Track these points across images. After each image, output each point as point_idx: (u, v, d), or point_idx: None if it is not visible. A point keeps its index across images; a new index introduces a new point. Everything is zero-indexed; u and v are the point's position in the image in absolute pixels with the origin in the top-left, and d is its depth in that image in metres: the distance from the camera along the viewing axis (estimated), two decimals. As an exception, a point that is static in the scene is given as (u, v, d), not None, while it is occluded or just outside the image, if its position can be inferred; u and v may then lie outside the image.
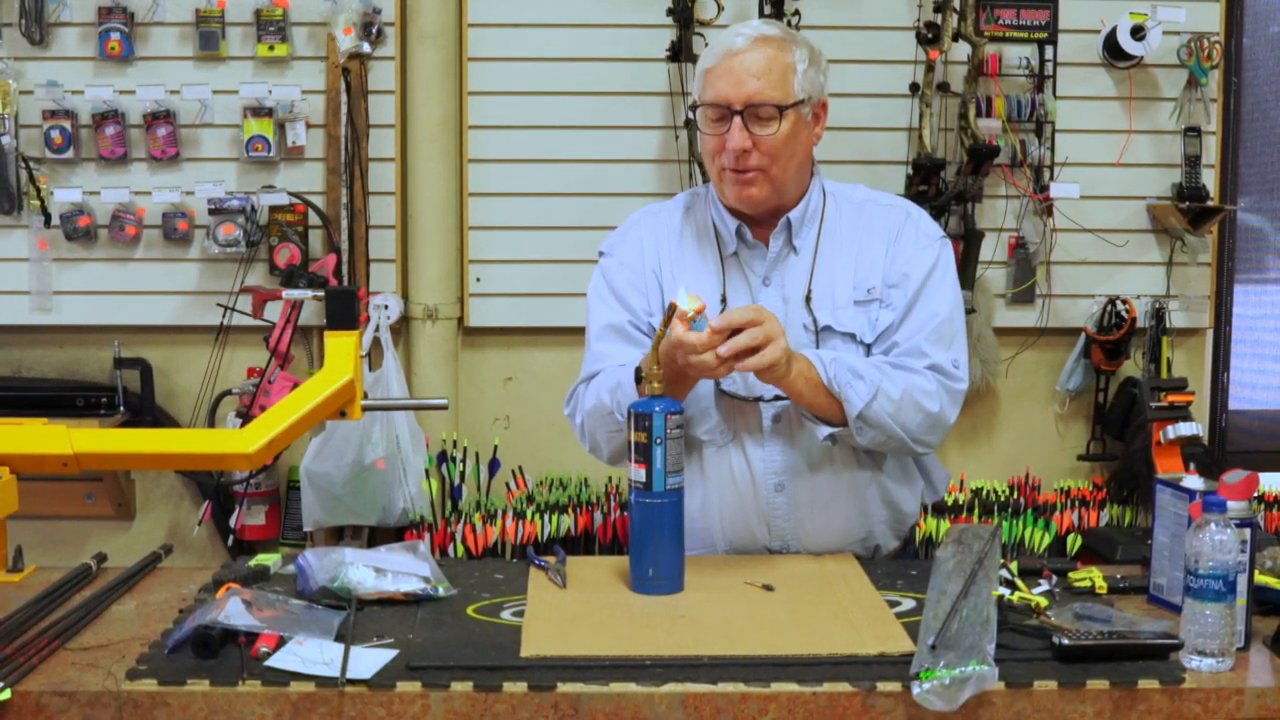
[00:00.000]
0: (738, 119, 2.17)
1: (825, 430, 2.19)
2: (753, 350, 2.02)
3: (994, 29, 3.72)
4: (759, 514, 2.25)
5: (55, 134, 3.66)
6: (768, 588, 2.06)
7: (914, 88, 3.75)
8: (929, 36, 3.65)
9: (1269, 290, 4.11)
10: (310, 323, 3.72)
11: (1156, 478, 2.08)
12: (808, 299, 2.25)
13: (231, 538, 3.74)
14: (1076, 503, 3.73)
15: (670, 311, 2.06)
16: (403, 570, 2.04)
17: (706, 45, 2.35)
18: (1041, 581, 2.07)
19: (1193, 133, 3.80)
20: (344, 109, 3.68)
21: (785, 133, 2.19)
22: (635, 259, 2.35)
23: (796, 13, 3.60)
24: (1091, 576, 2.10)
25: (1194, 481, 1.99)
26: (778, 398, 2.22)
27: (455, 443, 3.71)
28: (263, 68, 3.72)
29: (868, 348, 2.26)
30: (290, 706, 1.71)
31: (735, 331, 2.02)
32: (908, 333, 2.25)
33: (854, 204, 2.34)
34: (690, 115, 2.28)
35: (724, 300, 2.26)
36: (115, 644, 1.85)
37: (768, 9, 3.60)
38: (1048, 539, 3.49)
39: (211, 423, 3.77)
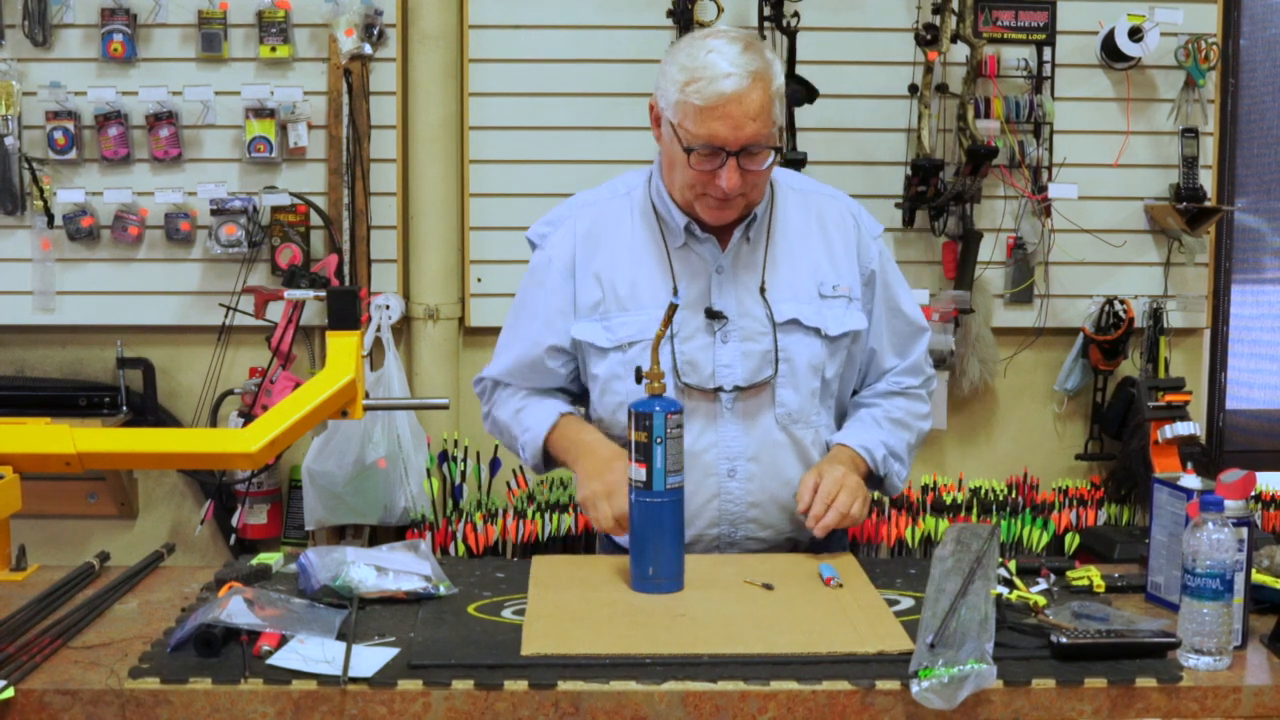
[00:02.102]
0: (732, 160, 2.12)
1: None
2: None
3: (992, 30, 3.74)
4: (710, 498, 2.26)
5: (58, 135, 3.68)
6: (767, 586, 2.06)
7: (913, 89, 3.76)
8: (928, 38, 3.66)
9: (1266, 290, 4.12)
10: (312, 323, 3.73)
11: (1154, 477, 2.09)
12: (762, 290, 2.25)
13: (233, 537, 3.75)
14: (1074, 502, 3.74)
15: (670, 312, 2.07)
16: (404, 569, 2.04)
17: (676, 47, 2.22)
18: (1040, 580, 2.08)
19: (1190, 134, 3.82)
20: (345, 110, 3.69)
21: (771, 162, 2.18)
22: (566, 258, 2.31)
23: (795, 15, 3.61)
24: (1089, 575, 2.11)
25: (1191, 480, 2.00)
26: (736, 387, 2.24)
27: (456, 442, 3.72)
28: (265, 69, 3.74)
29: (830, 340, 2.27)
30: (292, 705, 1.71)
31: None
32: (903, 347, 2.37)
33: (796, 191, 2.34)
34: (671, 126, 2.15)
35: (675, 292, 2.24)
36: (118, 642, 1.86)
37: (767, 10, 3.61)
38: (1046, 538, 3.50)
39: (214, 422, 3.79)
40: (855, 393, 2.41)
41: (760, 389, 2.25)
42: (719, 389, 2.24)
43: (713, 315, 2.23)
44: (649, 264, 2.27)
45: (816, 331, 2.25)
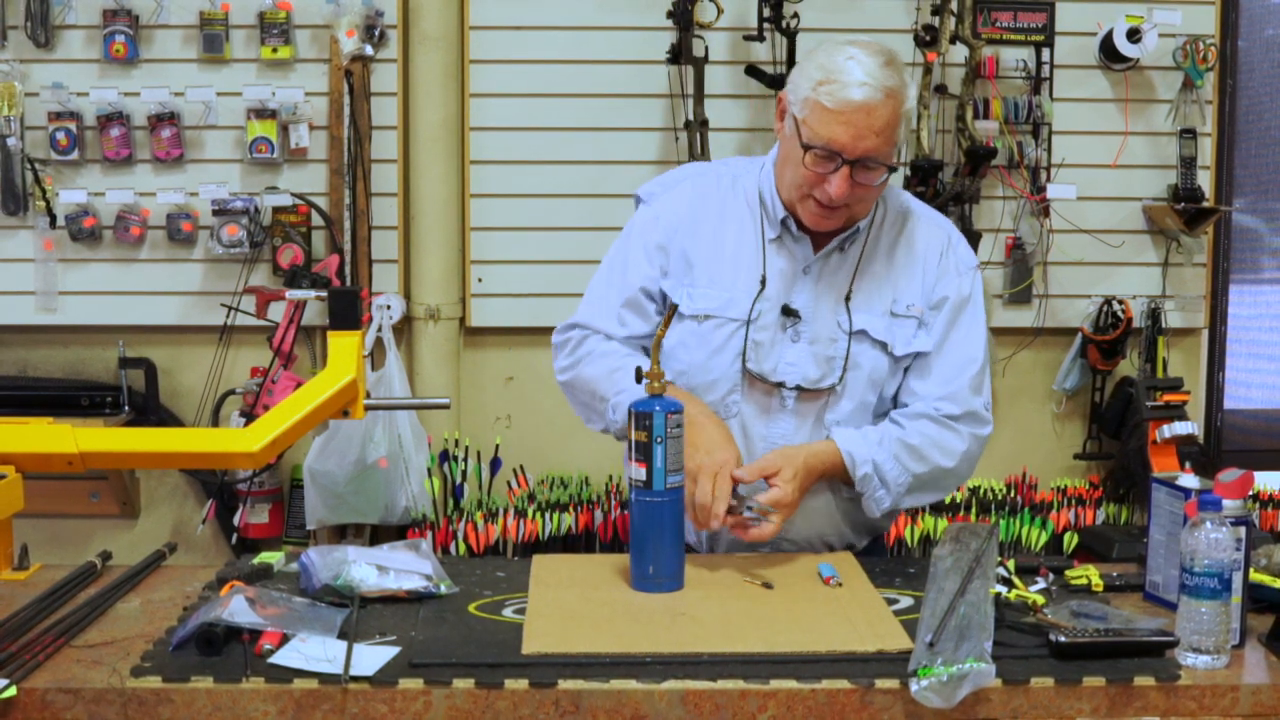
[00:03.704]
0: (846, 168, 2.12)
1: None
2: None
3: (991, 32, 3.74)
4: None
5: (60, 135, 3.68)
6: (767, 585, 2.07)
7: (912, 89, 3.77)
8: (927, 39, 3.67)
9: (1264, 290, 4.13)
10: (313, 323, 3.74)
11: (1152, 476, 2.10)
12: (848, 298, 2.26)
13: (235, 536, 3.75)
14: (1073, 501, 3.75)
15: (671, 312, 2.08)
16: (405, 568, 2.05)
17: (816, 62, 2.15)
18: (1038, 579, 2.09)
19: (1188, 134, 3.82)
20: (347, 111, 3.70)
21: (883, 181, 2.18)
22: (672, 220, 2.32)
23: (795, 16, 3.62)
24: (1088, 574, 2.12)
25: (1189, 480, 2.01)
26: (799, 387, 2.25)
27: (457, 442, 3.73)
28: (266, 70, 3.74)
29: (895, 358, 2.27)
30: (294, 703, 1.72)
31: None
32: (947, 375, 2.28)
33: (897, 210, 2.33)
34: (795, 121, 2.16)
35: (763, 281, 2.26)
36: (120, 641, 1.86)
37: (767, 11, 3.61)
38: (1044, 537, 3.51)
39: (215, 422, 3.79)
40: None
41: (821, 394, 2.26)
42: (781, 384, 2.25)
43: (788, 313, 2.25)
44: (743, 248, 2.29)
45: (883, 347, 2.26)
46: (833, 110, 2.09)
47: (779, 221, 2.27)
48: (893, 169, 2.17)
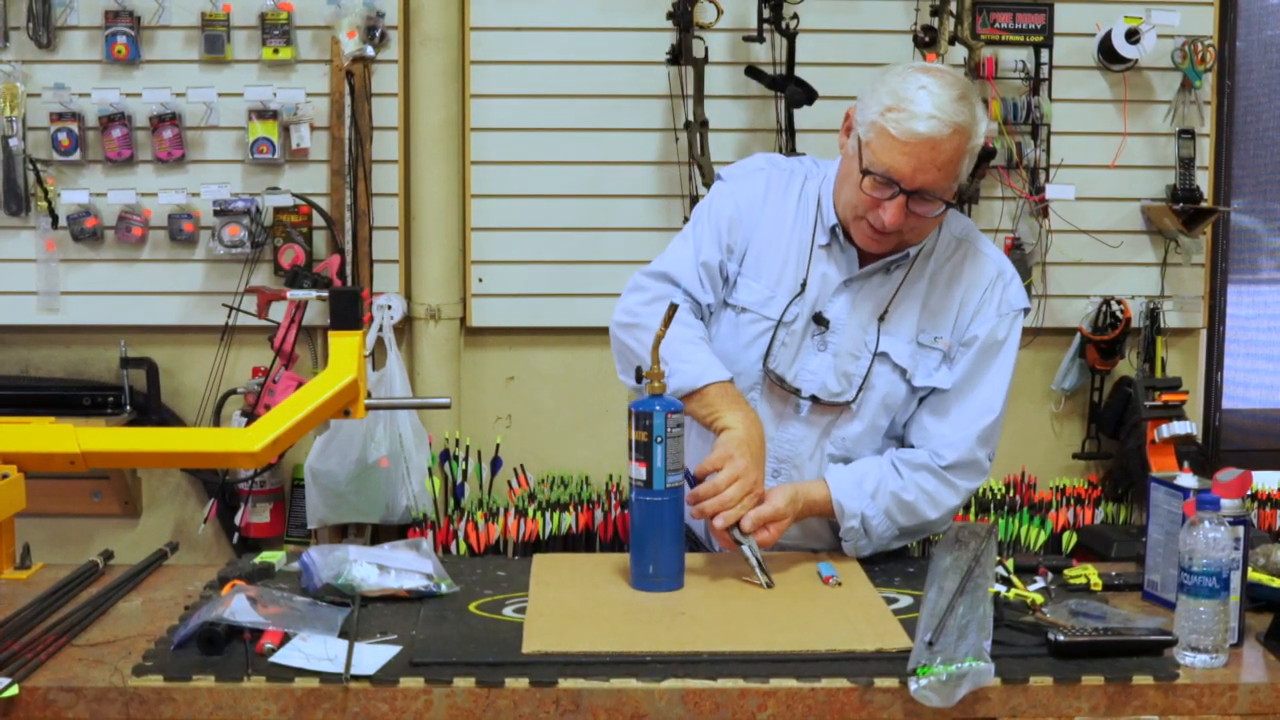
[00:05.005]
0: (902, 198, 2.10)
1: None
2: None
3: (990, 33, 3.74)
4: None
5: (62, 136, 3.69)
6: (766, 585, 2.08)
7: (912, 90, 3.77)
8: (926, 40, 3.67)
9: (1262, 290, 4.14)
10: (314, 323, 3.74)
11: (1151, 476, 2.10)
12: (881, 317, 2.25)
13: (236, 535, 3.76)
14: (1072, 501, 3.75)
15: (670, 312, 2.09)
16: (406, 567, 2.06)
17: (886, 92, 2.10)
18: (1037, 579, 2.10)
19: (1187, 135, 3.83)
20: (348, 111, 3.70)
21: (940, 214, 2.16)
22: (745, 203, 2.32)
23: (795, 16, 3.63)
24: (1086, 574, 2.12)
25: (1188, 480, 2.02)
26: (814, 397, 2.26)
27: (458, 441, 3.73)
28: (267, 71, 3.74)
29: (912, 388, 2.26)
30: (295, 702, 1.73)
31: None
32: (960, 421, 2.25)
33: (955, 238, 2.30)
34: (859, 141, 2.14)
35: (804, 285, 2.27)
36: (121, 640, 1.87)
37: (766, 12, 3.62)
38: (1043, 536, 3.51)
39: (216, 422, 3.80)
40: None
41: (835, 409, 2.26)
42: (797, 391, 2.26)
43: (819, 320, 2.25)
44: (792, 249, 2.29)
45: (903, 373, 2.25)
46: (897, 139, 2.07)
47: (829, 229, 2.27)
48: (950, 204, 2.16)
